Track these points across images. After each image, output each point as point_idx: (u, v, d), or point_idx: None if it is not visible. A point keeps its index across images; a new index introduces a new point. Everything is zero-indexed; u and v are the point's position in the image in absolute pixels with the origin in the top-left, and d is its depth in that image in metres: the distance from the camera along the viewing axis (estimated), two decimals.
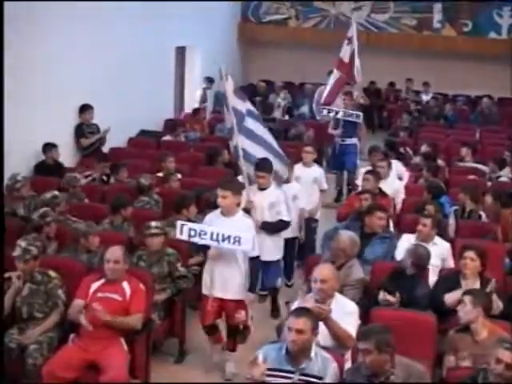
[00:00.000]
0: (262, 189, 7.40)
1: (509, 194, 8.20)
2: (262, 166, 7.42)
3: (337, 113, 11.80)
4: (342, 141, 11.96)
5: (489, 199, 8.33)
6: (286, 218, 7.37)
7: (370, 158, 10.11)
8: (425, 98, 16.80)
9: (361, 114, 11.81)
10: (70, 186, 8.46)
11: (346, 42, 12.57)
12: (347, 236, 6.45)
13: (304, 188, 8.56)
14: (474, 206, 8.25)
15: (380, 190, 8.49)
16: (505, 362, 4.48)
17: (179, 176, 9.39)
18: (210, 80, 15.38)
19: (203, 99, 15.30)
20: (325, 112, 12.07)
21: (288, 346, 4.69)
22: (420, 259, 6.32)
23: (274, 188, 7.46)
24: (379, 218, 7.26)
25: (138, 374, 5.88)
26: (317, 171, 9.27)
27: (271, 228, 7.35)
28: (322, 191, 9.27)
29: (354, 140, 12.06)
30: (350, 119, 11.73)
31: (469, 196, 8.26)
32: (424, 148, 11.16)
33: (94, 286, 5.84)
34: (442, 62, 17.31)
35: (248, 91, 16.61)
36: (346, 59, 12.48)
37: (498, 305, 5.93)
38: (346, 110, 11.81)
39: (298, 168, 9.00)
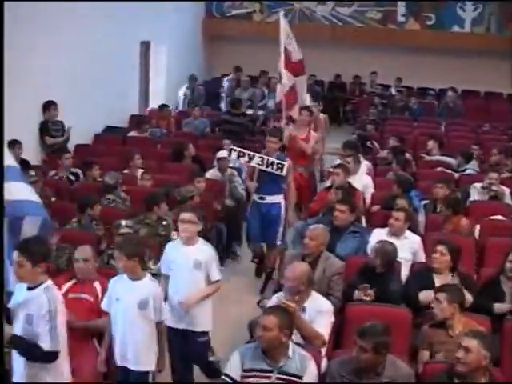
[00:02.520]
0: (29, 288, 4.67)
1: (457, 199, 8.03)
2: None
3: (251, 158, 8.07)
4: (260, 198, 8.24)
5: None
6: (48, 347, 4.54)
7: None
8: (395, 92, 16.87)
9: (285, 163, 7.94)
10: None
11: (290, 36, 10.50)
12: (322, 229, 6.45)
13: (181, 279, 5.80)
14: None
15: (349, 184, 8.45)
16: (463, 347, 4.54)
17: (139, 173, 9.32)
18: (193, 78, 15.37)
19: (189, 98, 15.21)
20: (233, 155, 8.31)
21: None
22: (388, 256, 6.29)
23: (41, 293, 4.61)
24: (341, 211, 7.13)
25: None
26: (202, 252, 5.84)
27: (21, 349, 4.62)
28: (213, 283, 5.89)
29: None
30: (269, 170, 7.97)
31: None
32: (392, 142, 11.17)
33: (65, 286, 5.74)
34: (407, 55, 17.40)
35: (213, 86, 16.68)
36: (297, 57, 10.64)
37: (467, 298, 5.95)
38: (263, 157, 8.02)
39: (173, 248, 6.00)
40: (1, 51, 7.26)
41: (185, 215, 5.81)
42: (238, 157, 8.15)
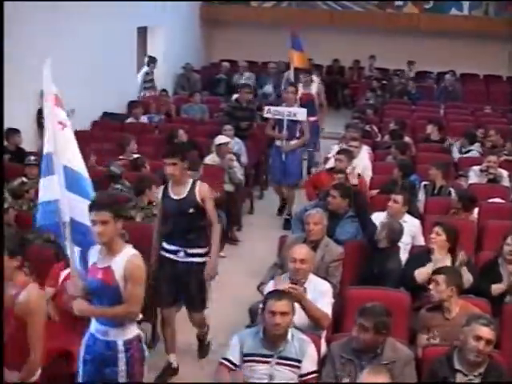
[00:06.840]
0: None
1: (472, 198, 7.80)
2: None
3: None
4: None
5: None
6: None
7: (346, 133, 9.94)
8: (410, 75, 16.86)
9: None
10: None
11: None
12: (322, 212, 6.46)
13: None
14: (445, 182, 8.27)
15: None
16: (485, 339, 4.51)
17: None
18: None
19: (147, 85, 14.69)
20: None
21: (270, 329, 4.65)
22: (394, 233, 6.38)
23: None
24: (333, 196, 7.10)
25: None
26: None
27: None
28: None
29: None
30: None
31: (440, 172, 8.26)
32: (392, 125, 11.12)
33: (64, 273, 5.72)
34: (405, 39, 17.33)
35: (211, 71, 16.63)
36: None
37: (467, 277, 5.96)
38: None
39: None
40: (1, 50, 7.21)
41: None
42: None
